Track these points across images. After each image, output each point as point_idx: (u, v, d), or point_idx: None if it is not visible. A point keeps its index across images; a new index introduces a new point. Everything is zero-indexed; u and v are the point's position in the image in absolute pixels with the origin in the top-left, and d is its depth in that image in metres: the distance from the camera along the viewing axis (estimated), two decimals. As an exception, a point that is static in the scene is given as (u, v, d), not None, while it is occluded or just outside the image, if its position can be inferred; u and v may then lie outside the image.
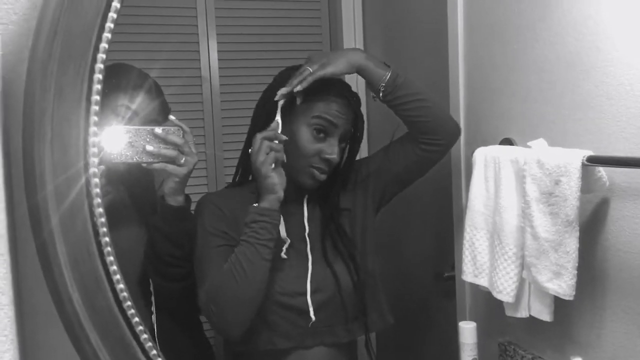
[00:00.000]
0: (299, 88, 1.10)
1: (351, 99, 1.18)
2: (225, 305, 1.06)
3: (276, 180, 1.07)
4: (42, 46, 0.67)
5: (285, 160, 1.10)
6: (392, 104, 1.16)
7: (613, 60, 0.99)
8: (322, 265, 1.16)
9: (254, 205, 1.08)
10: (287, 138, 1.11)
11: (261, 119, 1.16)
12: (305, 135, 1.14)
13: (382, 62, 1.17)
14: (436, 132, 1.19)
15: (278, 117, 1.12)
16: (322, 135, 1.14)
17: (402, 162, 1.23)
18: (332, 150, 1.14)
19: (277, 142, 1.10)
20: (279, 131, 1.11)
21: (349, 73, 1.15)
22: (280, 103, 1.13)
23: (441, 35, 1.42)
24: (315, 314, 1.12)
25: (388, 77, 1.13)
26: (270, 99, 1.14)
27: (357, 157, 1.28)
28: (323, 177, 1.16)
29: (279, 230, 1.10)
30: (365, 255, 1.23)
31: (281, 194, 1.08)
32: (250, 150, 1.10)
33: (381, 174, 1.24)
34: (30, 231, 0.70)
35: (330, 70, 1.12)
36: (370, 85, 1.16)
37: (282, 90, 1.12)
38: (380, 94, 1.15)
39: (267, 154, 1.07)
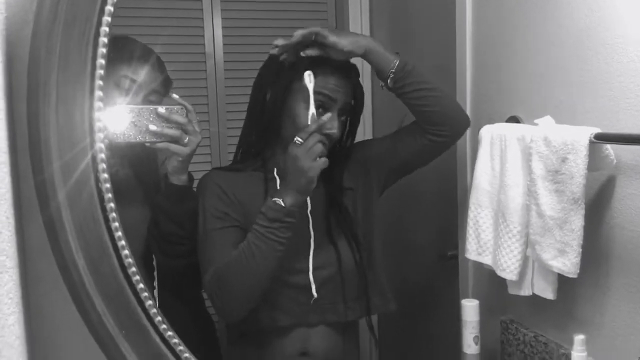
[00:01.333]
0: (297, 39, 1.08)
1: (348, 70, 1.16)
2: (231, 291, 1.06)
3: (315, 184, 1.04)
4: (47, 8, 0.66)
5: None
6: (401, 91, 1.14)
7: (623, 37, 0.98)
8: (325, 242, 1.16)
9: (278, 202, 1.03)
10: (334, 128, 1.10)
11: (259, 97, 1.15)
12: (304, 111, 1.11)
13: (390, 51, 1.14)
14: (444, 122, 1.17)
15: (312, 107, 1.08)
16: (320, 110, 1.12)
17: (407, 149, 1.22)
18: (332, 124, 1.12)
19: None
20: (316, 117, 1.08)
21: (356, 53, 1.11)
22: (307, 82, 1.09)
23: (449, 12, 1.40)
24: (317, 291, 1.12)
25: (397, 63, 1.11)
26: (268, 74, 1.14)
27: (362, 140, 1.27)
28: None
29: None
30: (368, 234, 1.23)
31: (310, 194, 1.06)
32: (295, 139, 1.04)
33: (386, 159, 1.23)
34: (36, 196, 0.70)
35: (337, 40, 1.08)
36: (379, 71, 1.14)
37: (279, 41, 1.09)
38: (389, 81, 1.13)
39: (318, 158, 1.03)
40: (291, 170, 1.03)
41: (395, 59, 1.12)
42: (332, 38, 1.08)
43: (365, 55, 1.12)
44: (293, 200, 1.03)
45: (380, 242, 1.25)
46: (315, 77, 1.09)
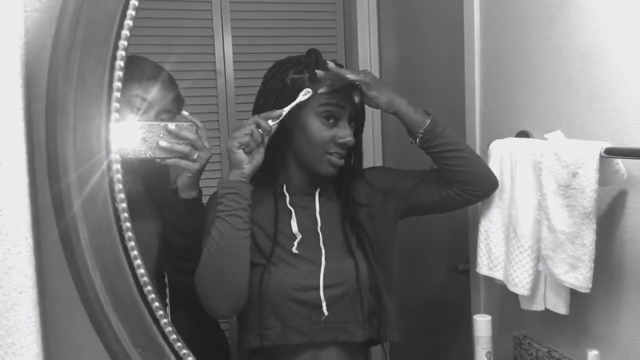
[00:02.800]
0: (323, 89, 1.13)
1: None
2: (206, 281, 1.07)
3: (243, 157, 1.07)
4: (65, 33, 0.68)
5: (260, 147, 1.09)
6: (430, 151, 1.17)
7: (632, 51, 0.98)
8: (337, 259, 1.15)
9: (221, 179, 1.10)
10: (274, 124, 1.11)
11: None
12: (315, 124, 1.13)
13: (422, 110, 1.17)
14: (472, 183, 1.19)
15: (286, 109, 1.11)
16: (332, 121, 1.14)
17: (431, 197, 1.22)
18: (345, 133, 1.14)
19: (265, 126, 1.09)
20: (272, 123, 1.10)
21: (386, 110, 1.16)
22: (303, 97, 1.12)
23: (457, 27, 1.41)
24: (328, 309, 1.11)
25: (427, 123, 1.14)
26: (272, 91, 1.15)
27: (373, 157, 1.27)
28: (341, 162, 1.16)
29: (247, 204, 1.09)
30: (382, 255, 1.21)
31: (247, 169, 1.08)
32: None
33: (409, 195, 1.23)
34: (53, 216, 0.71)
35: (376, 96, 1.13)
36: (408, 130, 1.17)
37: (331, 66, 1.12)
38: (418, 140, 1.16)
39: (245, 134, 1.07)
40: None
41: (425, 118, 1.15)
42: (373, 93, 1.13)
43: (395, 114, 1.16)
44: (230, 175, 1.08)
45: (396, 266, 1.25)
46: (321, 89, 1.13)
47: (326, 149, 1.14)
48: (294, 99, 1.13)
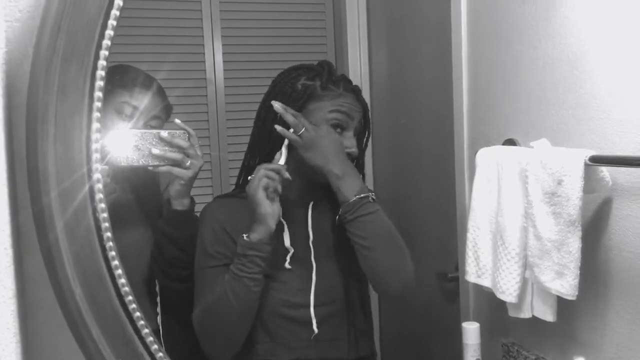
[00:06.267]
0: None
1: (358, 91, 1.18)
2: (212, 332, 1.07)
3: (268, 210, 1.04)
4: (46, 43, 0.68)
5: (281, 192, 1.07)
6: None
7: (617, 61, 0.99)
8: (329, 275, 1.14)
9: (244, 236, 1.06)
10: (289, 177, 1.07)
11: (264, 130, 1.15)
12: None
13: (357, 193, 1.08)
14: (371, 280, 1.14)
15: (283, 149, 1.10)
16: (339, 130, 1.13)
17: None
18: (351, 143, 1.13)
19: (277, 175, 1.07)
20: (282, 162, 1.09)
21: (316, 172, 1.10)
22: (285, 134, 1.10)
23: (445, 35, 1.42)
24: (318, 327, 1.10)
25: (343, 208, 1.08)
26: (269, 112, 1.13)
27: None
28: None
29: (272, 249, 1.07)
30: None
31: (272, 226, 1.05)
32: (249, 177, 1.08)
33: None
34: (34, 226, 0.71)
35: (303, 152, 1.09)
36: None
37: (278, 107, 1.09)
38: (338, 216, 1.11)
39: (260, 181, 1.04)
40: (250, 204, 1.05)
41: (346, 203, 1.07)
42: (305, 154, 1.09)
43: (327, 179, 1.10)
44: (255, 233, 1.04)
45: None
46: (331, 98, 1.12)
47: None
48: (303, 107, 1.12)
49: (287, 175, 1.07)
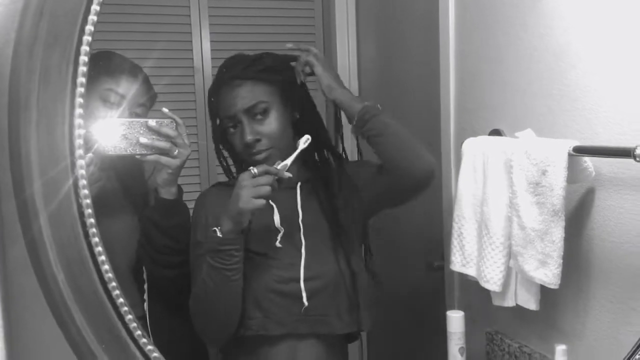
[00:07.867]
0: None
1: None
2: (201, 321, 1.10)
3: (249, 216, 1.04)
4: (28, 28, 0.68)
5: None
6: (366, 139, 1.19)
7: (601, 52, 1.00)
8: (318, 252, 1.16)
9: (214, 231, 1.05)
10: (290, 175, 1.08)
11: None
12: None
13: (360, 100, 1.20)
14: (399, 168, 1.18)
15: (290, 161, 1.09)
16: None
17: (377, 188, 1.23)
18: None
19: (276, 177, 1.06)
20: (289, 162, 1.08)
21: (325, 92, 1.21)
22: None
23: (432, 26, 1.42)
24: (308, 301, 1.12)
25: (359, 111, 1.17)
26: None
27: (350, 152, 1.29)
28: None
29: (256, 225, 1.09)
30: (358, 248, 1.23)
31: (246, 223, 1.05)
32: (251, 169, 1.05)
33: (367, 186, 1.24)
34: (16, 211, 0.70)
35: (321, 74, 1.20)
36: (348, 119, 1.21)
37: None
38: (353, 129, 1.20)
39: (255, 188, 1.02)
40: (233, 196, 1.04)
41: (361, 107, 1.17)
42: (318, 69, 1.20)
43: (334, 101, 1.22)
44: (227, 228, 1.04)
45: (373, 256, 1.27)
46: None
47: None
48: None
49: (287, 175, 1.07)
